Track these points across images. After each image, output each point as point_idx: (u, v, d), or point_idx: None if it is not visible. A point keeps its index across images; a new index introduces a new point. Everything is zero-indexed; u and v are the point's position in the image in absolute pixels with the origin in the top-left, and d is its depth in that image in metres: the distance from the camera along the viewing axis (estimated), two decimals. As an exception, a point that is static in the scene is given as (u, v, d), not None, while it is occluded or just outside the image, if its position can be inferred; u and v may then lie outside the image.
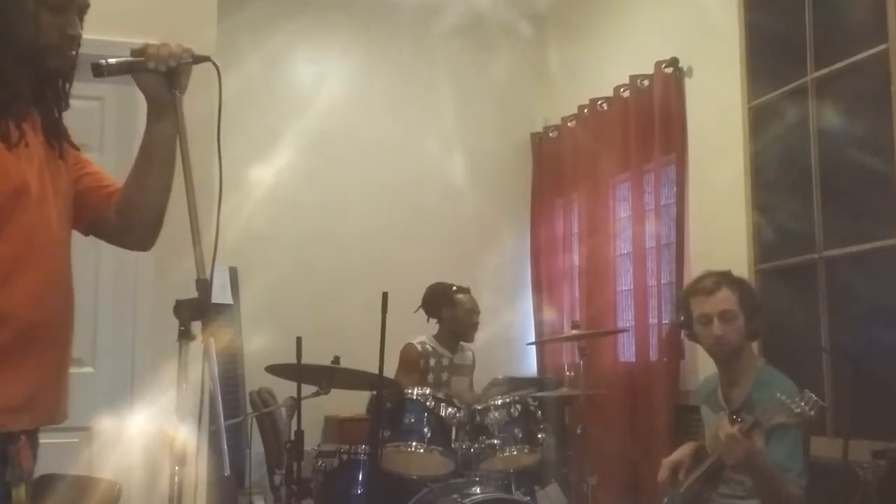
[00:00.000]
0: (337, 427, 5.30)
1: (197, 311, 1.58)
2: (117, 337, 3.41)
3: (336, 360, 3.59)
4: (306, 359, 3.49)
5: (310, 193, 5.79)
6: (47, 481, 2.10)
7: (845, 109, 3.69)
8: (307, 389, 3.56)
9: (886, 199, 3.43)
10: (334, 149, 5.88)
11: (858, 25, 3.62)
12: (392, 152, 6.00)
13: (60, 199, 1.72)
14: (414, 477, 3.57)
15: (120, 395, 3.34)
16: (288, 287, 5.42)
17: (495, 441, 3.53)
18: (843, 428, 3.13)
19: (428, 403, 3.57)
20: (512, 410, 3.60)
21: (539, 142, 6.26)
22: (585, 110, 5.59)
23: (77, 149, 1.83)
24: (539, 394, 3.97)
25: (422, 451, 3.50)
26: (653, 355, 4.89)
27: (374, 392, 3.62)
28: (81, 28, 1.72)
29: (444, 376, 4.50)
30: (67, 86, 1.76)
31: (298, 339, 3.49)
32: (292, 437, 3.58)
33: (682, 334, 3.27)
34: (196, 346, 1.57)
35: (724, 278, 2.94)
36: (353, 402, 4.90)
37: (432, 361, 4.49)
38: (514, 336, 5.97)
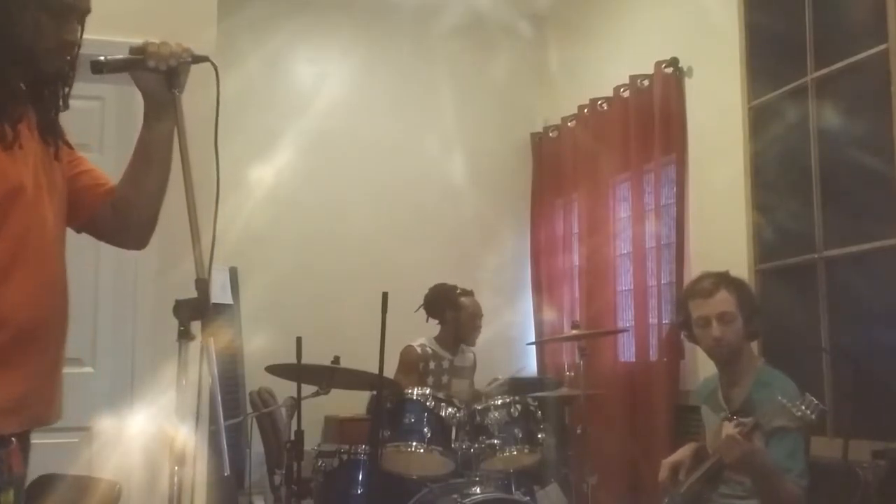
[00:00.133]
0: (337, 427, 5.30)
1: (197, 311, 1.58)
2: (117, 337, 3.41)
3: (336, 360, 3.59)
4: (306, 359, 3.49)
5: (310, 193, 5.79)
6: (47, 481, 2.10)
7: (845, 109, 3.69)
8: (307, 389, 3.56)
9: (886, 199, 3.43)
10: (334, 149, 5.89)
11: (858, 25, 3.62)
12: (392, 152, 6.01)
13: (56, 197, 1.72)
14: (414, 477, 3.57)
15: (120, 395, 3.34)
16: (288, 287, 5.42)
17: (495, 441, 3.53)
18: (843, 428, 3.13)
19: (428, 403, 3.57)
20: (512, 410, 3.60)
21: (539, 142, 6.26)
22: (585, 110, 5.59)
23: (71, 147, 1.82)
24: (539, 394, 3.97)
25: (422, 451, 3.50)
26: (653, 355, 4.89)
27: (374, 392, 3.62)
28: (81, 33, 1.72)
29: (445, 378, 4.50)
30: (66, 88, 1.76)
31: (298, 339, 3.49)
32: (292, 437, 3.58)
33: (682, 335, 3.27)
34: (196, 346, 1.57)
35: (722, 280, 2.94)
36: (353, 402, 4.90)
37: (432, 364, 4.49)
38: (514, 336, 5.97)
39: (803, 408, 2.44)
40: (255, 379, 4.65)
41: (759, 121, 4.18)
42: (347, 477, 3.58)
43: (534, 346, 5.96)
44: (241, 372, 5.07)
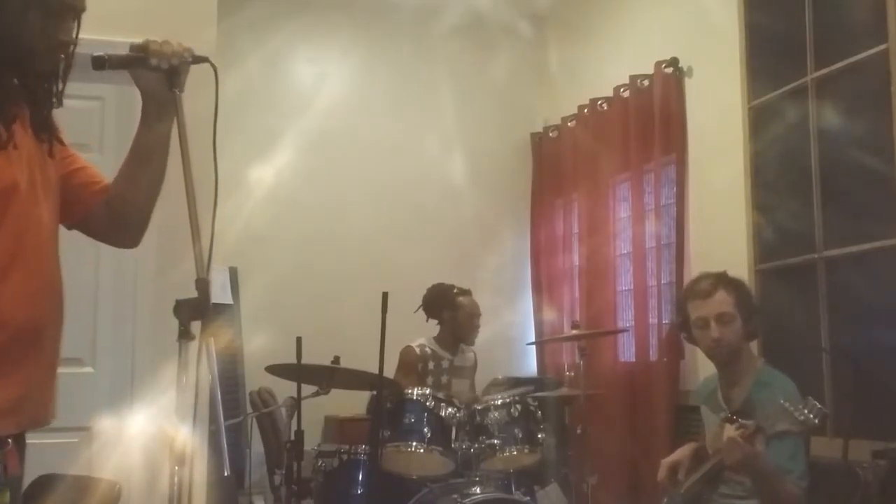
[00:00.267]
0: (337, 427, 5.30)
1: (197, 310, 1.57)
2: (117, 337, 3.41)
3: (336, 360, 3.59)
4: (306, 359, 3.49)
5: (310, 193, 5.79)
6: (47, 481, 2.10)
7: (845, 109, 3.69)
8: (307, 389, 3.55)
9: (886, 199, 3.43)
10: (334, 149, 5.88)
11: (858, 25, 3.61)
12: (392, 152, 6.00)
13: (50, 195, 1.71)
14: (414, 477, 3.57)
15: (120, 395, 3.34)
16: (288, 287, 5.42)
17: (495, 441, 3.53)
18: (843, 428, 3.13)
19: (428, 403, 3.57)
20: (512, 410, 3.60)
21: (539, 142, 6.26)
22: (585, 110, 5.59)
23: (63, 143, 1.81)
24: (539, 394, 3.97)
25: (422, 451, 3.50)
26: (653, 355, 4.89)
27: (374, 392, 3.62)
28: (77, 32, 1.72)
29: (444, 379, 4.49)
30: (61, 85, 1.75)
31: (298, 339, 3.49)
32: (292, 437, 3.58)
33: (682, 336, 3.27)
34: (196, 346, 1.57)
35: (720, 280, 2.93)
36: (353, 402, 4.90)
37: (431, 364, 4.49)
38: (514, 336, 5.97)
39: (805, 411, 2.42)
40: (255, 379, 4.65)
41: (759, 121, 4.18)
42: (347, 477, 3.58)
43: (534, 346, 5.96)
44: (241, 372, 5.07)
